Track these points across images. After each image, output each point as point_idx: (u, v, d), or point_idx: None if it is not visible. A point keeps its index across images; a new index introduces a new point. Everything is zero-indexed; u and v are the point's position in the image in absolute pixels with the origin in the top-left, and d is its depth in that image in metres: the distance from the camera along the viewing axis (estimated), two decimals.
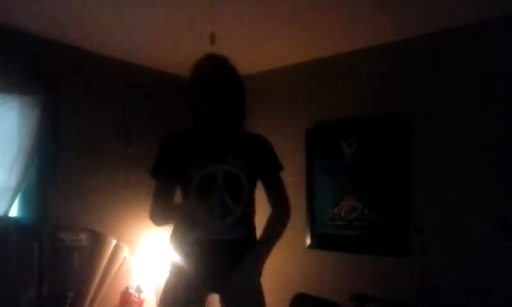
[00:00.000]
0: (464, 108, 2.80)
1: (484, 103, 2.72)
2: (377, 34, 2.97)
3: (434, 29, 2.87)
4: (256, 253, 1.86)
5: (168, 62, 3.47)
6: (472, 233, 2.69)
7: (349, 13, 2.69)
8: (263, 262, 1.87)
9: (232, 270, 1.81)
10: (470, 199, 2.72)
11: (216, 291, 1.93)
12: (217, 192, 1.85)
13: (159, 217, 1.92)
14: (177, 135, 1.97)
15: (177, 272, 1.92)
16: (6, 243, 2.69)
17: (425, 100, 2.94)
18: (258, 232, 1.95)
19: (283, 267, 3.26)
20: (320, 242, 3.30)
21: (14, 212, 2.90)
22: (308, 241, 3.34)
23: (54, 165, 2.95)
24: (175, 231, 1.96)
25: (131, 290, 3.12)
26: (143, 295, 3.11)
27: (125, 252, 3.16)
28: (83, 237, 3.00)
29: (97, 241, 3.04)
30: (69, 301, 2.83)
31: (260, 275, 1.87)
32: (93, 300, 2.96)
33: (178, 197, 1.97)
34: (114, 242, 3.09)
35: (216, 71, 1.89)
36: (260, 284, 1.90)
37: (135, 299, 3.10)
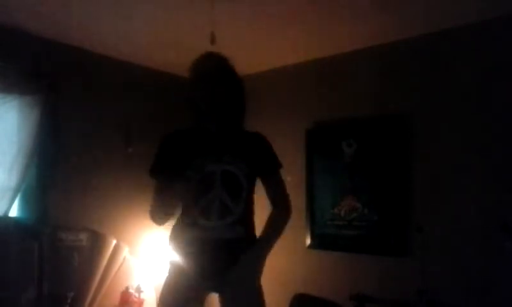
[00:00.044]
0: (464, 108, 2.80)
1: (484, 103, 2.72)
2: (377, 34, 2.97)
3: (434, 29, 2.87)
4: (257, 251, 1.86)
5: (168, 62, 3.47)
6: (472, 233, 2.69)
7: (349, 13, 2.69)
8: (263, 260, 1.86)
9: (230, 269, 1.81)
10: (470, 199, 2.72)
11: (215, 291, 1.93)
12: (215, 192, 1.85)
13: (159, 216, 1.92)
14: (176, 135, 1.97)
15: (176, 272, 1.92)
16: (6, 243, 2.69)
17: (425, 100, 2.94)
18: (258, 231, 1.94)
19: (283, 267, 3.26)
20: (320, 242, 3.30)
21: (14, 212, 2.90)
22: (308, 241, 3.34)
23: (54, 165, 2.95)
24: (174, 231, 1.96)
25: (131, 290, 3.12)
26: (143, 295, 3.12)
27: (125, 252, 3.16)
28: (83, 237, 3.00)
29: (97, 241, 3.04)
30: (69, 301, 2.83)
31: (260, 273, 1.86)
32: (93, 300, 2.96)
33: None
34: (114, 242, 3.09)
35: (214, 70, 1.89)
36: (260, 286, 1.89)
37: (135, 299, 3.10)
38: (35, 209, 2.91)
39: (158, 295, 2.03)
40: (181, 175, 1.87)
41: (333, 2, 2.55)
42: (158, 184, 1.91)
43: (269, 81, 3.65)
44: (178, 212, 1.95)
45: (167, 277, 1.95)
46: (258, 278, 1.87)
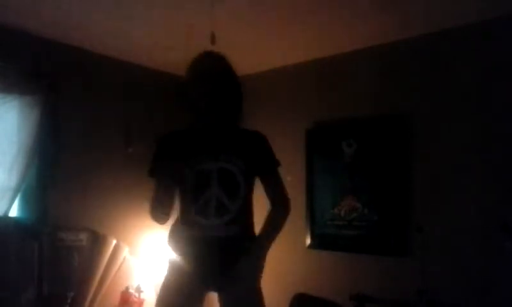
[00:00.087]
0: (464, 108, 2.80)
1: (484, 103, 2.72)
2: (377, 34, 2.97)
3: (434, 29, 2.87)
4: (256, 250, 1.85)
5: (168, 62, 3.47)
6: (472, 233, 2.69)
7: (349, 13, 2.69)
8: (263, 259, 1.86)
9: (229, 268, 1.81)
10: (470, 199, 2.72)
11: (215, 290, 1.93)
12: (212, 190, 1.85)
13: (159, 215, 1.92)
14: (172, 135, 1.98)
15: (175, 271, 1.92)
16: (6, 243, 2.69)
17: (425, 100, 2.94)
18: (258, 229, 1.94)
19: (283, 267, 3.26)
20: (320, 242, 3.30)
21: (14, 212, 2.90)
22: (308, 241, 3.34)
23: (54, 165, 2.95)
24: (172, 230, 1.96)
25: (131, 290, 3.12)
26: (143, 295, 3.12)
27: (125, 252, 3.16)
28: (83, 237, 3.00)
29: (97, 241, 3.04)
30: (69, 301, 2.83)
31: (261, 272, 1.86)
32: (93, 300, 2.96)
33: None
34: (114, 242, 3.09)
35: (212, 69, 1.89)
36: (259, 287, 1.89)
37: (135, 299, 3.10)
38: (35, 209, 2.91)
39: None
40: (178, 174, 1.87)
41: (333, 2, 2.55)
42: (156, 184, 1.91)
43: (269, 81, 3.65)
44: (176, 211, 1.95)
45: (165, 276, 1.95)
46: (259, 277, 1.87)
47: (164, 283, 1.94)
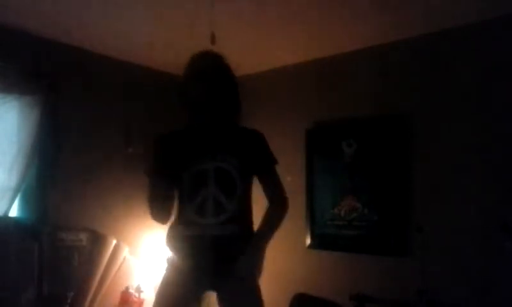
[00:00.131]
0: (464, 108, 2.80)
1: (484, 103, 2.72)
2: (377, 34, 2.97)
3: (434, 29, 2.86)
4: (253, 249, 1.85)
5: (168, 62, 3.47)
6: (472, 233, 2.69)
7: (349, 13, 2.69)
8: (261, 257, 1.85)
9: (225, 267, 1.81)
10: (470, 199, 2.72)
11: (213, 289, 1.93)
12: (209, 189, 1.85)
13: (159, 215, 1.92)
14: (169, 135, 1.98)
15: (173, 270, 1.92)
16: (6, 243, 2.69)
17: (425, 100, 2.94)
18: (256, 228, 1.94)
19: (283, 267, 3.26)
20: (320, 242, 3.30)
21: (14, 212, 2.90)
22: (308, 241, 3.34)
23: (54, 165, 2.95)
24: (170, 230, 1.97)
25: (131, 290, 3.12)
26: (143, 295, 3.11)
27: (125, 252, 3.16)
28: (83, 237, 3.00)
29: (97, 241, 3.04)
30: (69, 301, 2.83)
31: (259, 270, 1.85)
32: (93, 300, 2.96)
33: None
34: (114, 242, 3.10)
35: (208, 69, 1.89)
36: (257, 285, 1.89)
37: (135, 299, 3.10)
38: (35, 209, 2.91)
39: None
40: (175, 174, 1.87)
41: (333, 2, 2.55)
42: (153, 184, 1.90)
43: (269, 81, 3.65)
44: (175, 211, 1.95)
45: (164, 276, 1.95)
46: (257, 275, 1.86)
47: (162, 282, 1.95)
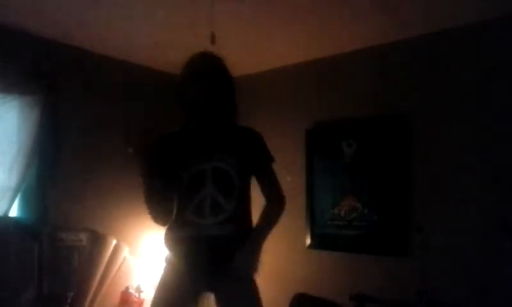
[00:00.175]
0: (464, 108, 2.80)
1: (484, 103, 2.72)
2: (377, 34, 2.97)
3: (434, 29, 2.86)
4: (250, 247, 1.84)
5: (168, 62, 3.46)
6: (472, 233, 2.69)
7: (349, 13, 2.69)
8: (258, 255, 1.85)
9: (222, 267, 1.81)
10: (470, 199, 2.72)
11: (210, 290, 1.93)
12: (207, 190, 1.86)
13: (157, 217, 1.92)
14: (166, 137, 1.98)
15: (171, 271, 1.92)
16: (6, 243, 2.69)
17: (425, 100, 2.94)
18: None
19: (283, 267, 3.26)
20: (320, 242, 3.30)
21: (14, 212, 2.90)
22: (308, 241, 3.34)
23: (54, 165, 2.95)
24: (168, 230, 1.97)
25: (131, 290, 3.12)
26: (143, 295, 3.11)
27: (125, 252, 3.16)
28: (83, 237, 3.00)
29: (97, 241, 3.04)
30: (69, 301, 2.83)
31: (256, 267, 1.85)
32: (93, 300, 2.96)
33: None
34: (114, 242, 3.09)
35: (206, 69, 1.89)
36: (255, 284, 1.89)
37: (135, 299, 3.10)
38: (35, 209, 2.91)
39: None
40: (173, 176, 1.87)
41: (333, 2, 2.55)
42: (149, 186, 1.90)
43: (269, 81, 3.65)
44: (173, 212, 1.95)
45: (161, 276, 1.95)
46: (254, 274, 1.86)
47: (159, 282, 1.95)
